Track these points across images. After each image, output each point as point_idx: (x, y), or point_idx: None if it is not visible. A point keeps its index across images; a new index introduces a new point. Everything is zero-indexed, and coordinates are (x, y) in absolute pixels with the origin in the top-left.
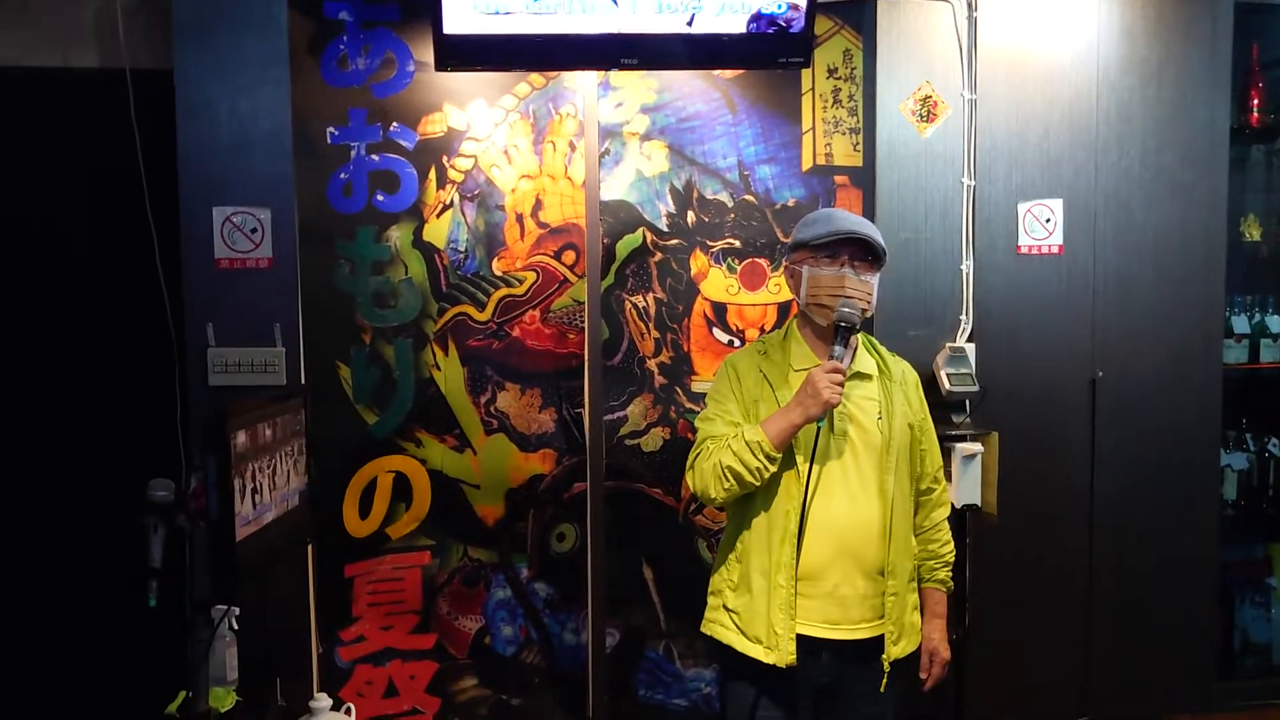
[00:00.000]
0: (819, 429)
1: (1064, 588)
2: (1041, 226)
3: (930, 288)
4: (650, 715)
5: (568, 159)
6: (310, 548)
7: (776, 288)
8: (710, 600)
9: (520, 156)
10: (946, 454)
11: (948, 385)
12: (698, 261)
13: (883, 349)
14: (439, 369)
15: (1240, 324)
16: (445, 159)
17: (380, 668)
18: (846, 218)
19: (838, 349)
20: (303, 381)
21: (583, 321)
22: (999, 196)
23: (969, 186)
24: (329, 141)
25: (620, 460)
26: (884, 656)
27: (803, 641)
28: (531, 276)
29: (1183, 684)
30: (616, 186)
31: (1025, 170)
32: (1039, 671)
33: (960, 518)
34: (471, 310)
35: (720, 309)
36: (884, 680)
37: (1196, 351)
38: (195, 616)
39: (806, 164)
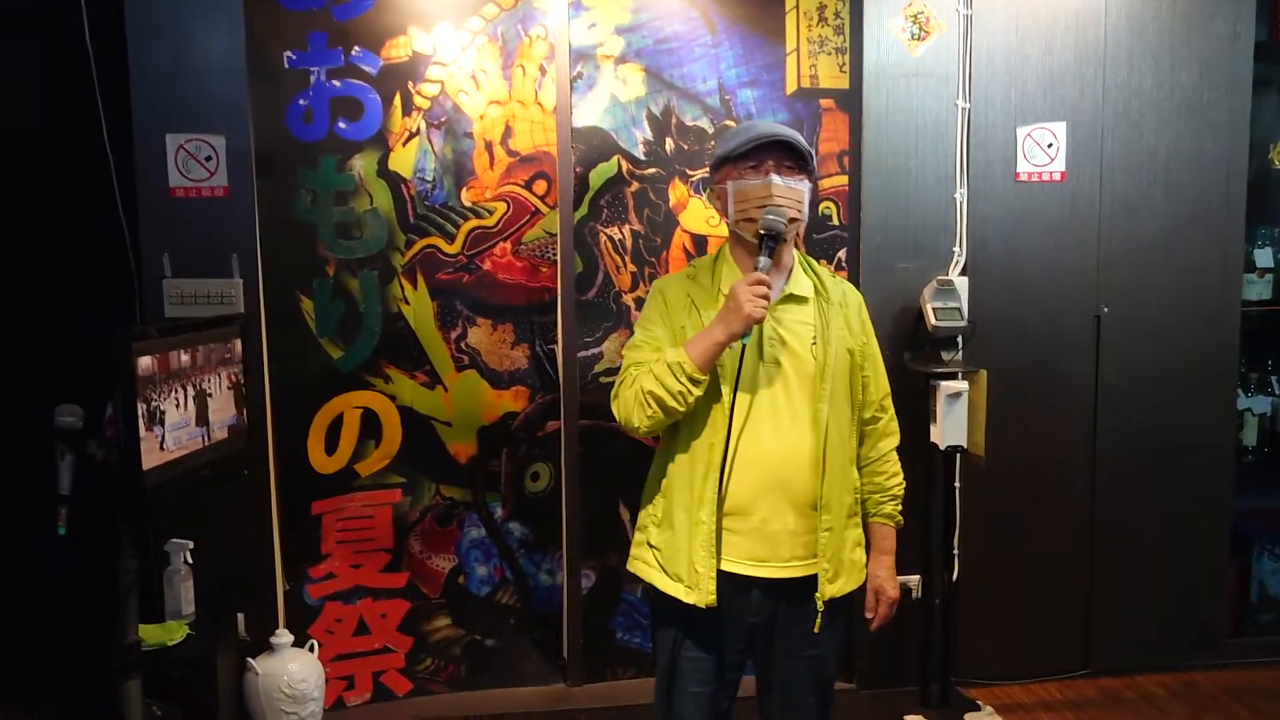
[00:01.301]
0: (743, 354)
1: (1064, 536)
2: (1042, 152)
3: (921, 218)
4: (627, 658)
5: (538, 84)
6: (273, 483)
7: None
8: (635, 536)
9: (489, 81)
10: (931, 391)
11: (934, 320)
12: (677, 191)
13: (822, 269)
14: (407, 303)
15: (1264, 258)
16: (411, 84)
17: (350, 605)
18: (765, 125)
19: (762, 260)
20: (262, 313)
21: (555, 254)
22: (996, 120)
23: (963, 109)
24: (286, 66)
25: (595, 398)
26: (817, 595)
27: (731, 579)
28: (502, 207)
29: (1193, 638)
30: (590, 112)
31: (1025, 91)
32: (1037, 625)
33: (947, 460)
34: (440, 242)
35: (700, 241)
36: (818, 620)
37: (1213, 286)
38: (118, 546)
39: (790, 87)
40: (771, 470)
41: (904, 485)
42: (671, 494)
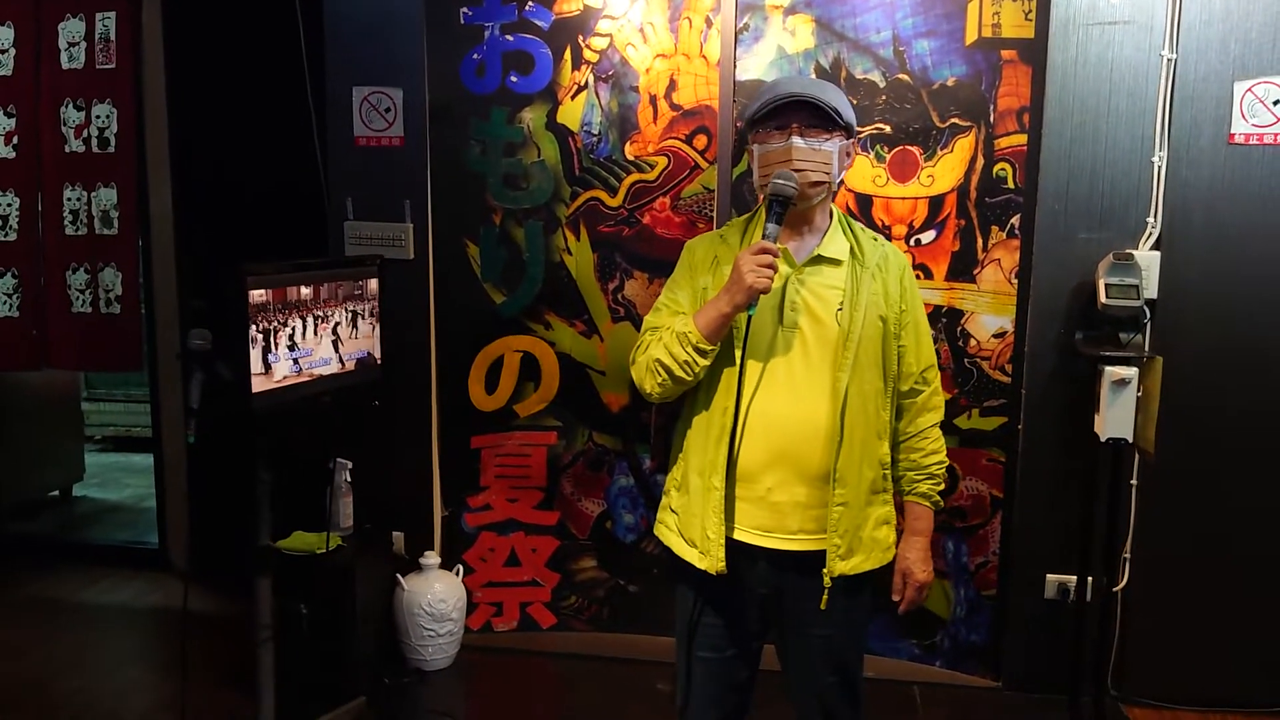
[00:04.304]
0: (748, 324)
1: (1269, 549)
2: (1267, 110)
3: (1110, 183)
4: None
5: (704, 36)
6: (435, 416)
7: (929, 179)
8: (662, 500)
9: (656, 34)
10: (1095, 377)
11: (1104, 297)
12: None
13: (862, 231)
14: (570, 253)
15: None
16: (581, 38)
17: (504, 537)
18: (791, 81)
19: (770, 227)
20: (430, 257)
21: (713, 210)
22: (1209, 73)
23: (1169, 61)
24: (462, 22)
25: None
26: (825, 571)
27: (738, 548)
28: (663, 162)
29: None
30: (754, 65)
31: (1247, 40)
32: (1226, 647)
33: (1115, 455)
34: (603, 195)
35: (865, 201)
36: (824, 597)
37: None
38: (253, 458)
39: (970, 37)
40: (781, 439)
41: (945, 464)
42: (688, 458)
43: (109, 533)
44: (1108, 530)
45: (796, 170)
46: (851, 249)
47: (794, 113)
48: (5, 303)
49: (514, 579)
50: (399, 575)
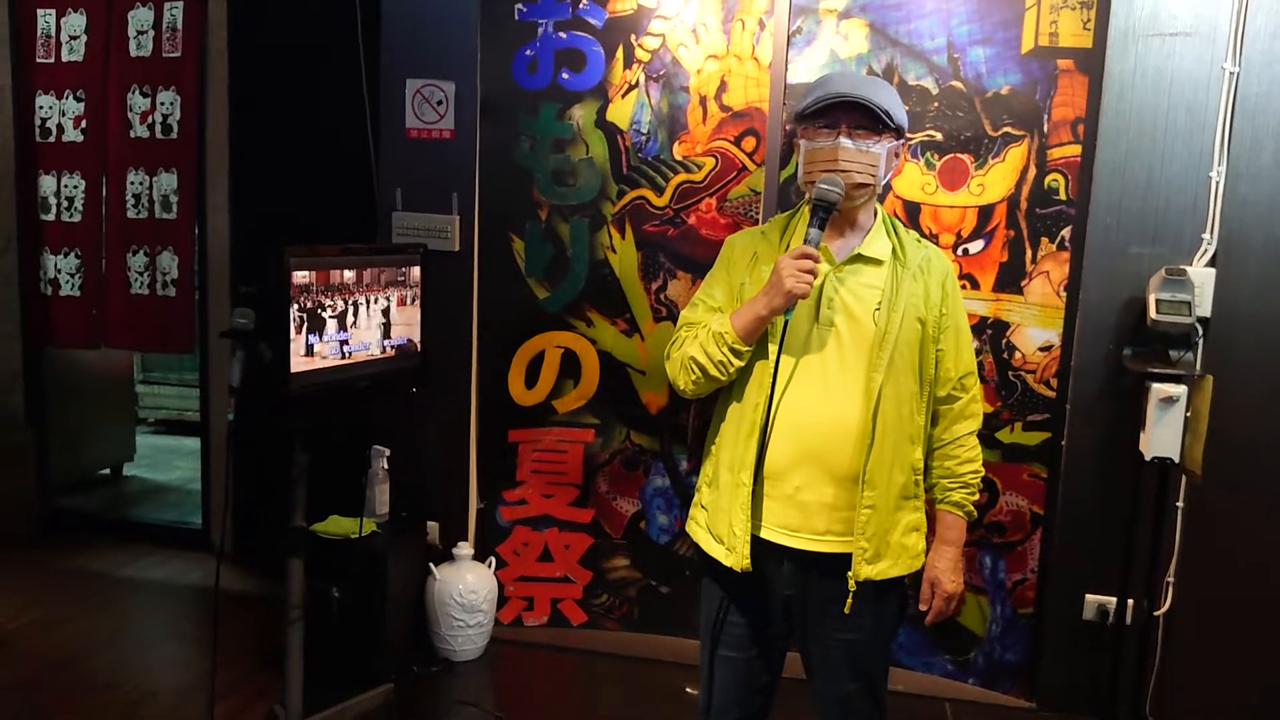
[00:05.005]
0: (784, 328)
1: None
2: None
3: (1164, 198)
4: None
5: (756, 38)
6: (474, 407)
7: (980, 189)
8: (694, 497)
9: (708, 35)
10: (1143, 393)
11: (1154, 313)
12: None
13: (905, 232)
14: (614, 251)
15: None
16: (633, 37)
17: (538, 532)
18: (844, 79)
19: (812, 232)
20: (475, 250)
21: (758, 213)
22: (1272, 88)
23: (1230, 74)
24: (516, 18)
25: None
26: (850, 574)
27: (765, 547)
28: (710, 162)
29: None
30: (806, 69)
31: None
32: (1260, 678)
33: (1161, 474)
34: (650, 194)
35: (913, 209)
36: (848, 601)
37: None
38: (290, 440)
39: (1027, 45)
40: (810, 437)
41: (980, 474)
42: (720, 453)
43: (155, 512)
44: (1150, 552)
45: (842, 172)
46: (894, 250)
47: (844, 112)
48: (69, 282)
49: (546, 574)
50: (432, 565)
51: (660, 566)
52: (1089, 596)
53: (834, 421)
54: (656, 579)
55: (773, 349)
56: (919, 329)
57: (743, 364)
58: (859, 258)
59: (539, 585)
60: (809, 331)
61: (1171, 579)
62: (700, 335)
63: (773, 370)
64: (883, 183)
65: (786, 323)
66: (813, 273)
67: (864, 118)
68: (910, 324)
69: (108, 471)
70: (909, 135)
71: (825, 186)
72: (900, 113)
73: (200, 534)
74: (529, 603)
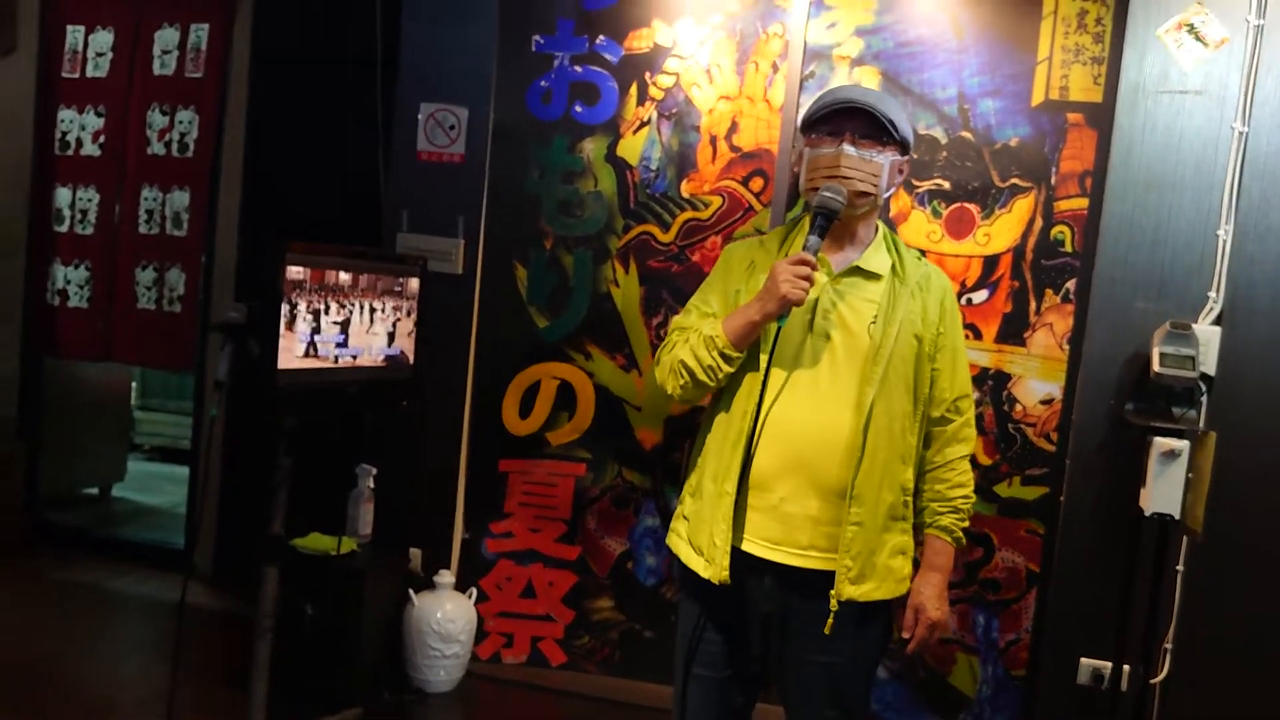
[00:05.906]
0: (777, 334)
1: None
2: None
3: (1171, 254)
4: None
5: (768, 81)
6: (465, 434)
7: (985, 239)
8: (676, 509)
9: (722, 76)
10: (1144, 448)
11: (1158, 366)
12: (899, 201)
13: (906, 249)
14: (617, 285)
15: None
16: (648, 75)
17: (523, 567)
18: (853, 88)
19: (811, 239)
20: (478, 274)
21: None
22: None
23: (1240, 134)
24: (534, 49)
25: None
26: (832, 593)
27: (746, 560)
28: (717, 201)
29: None
30: None
31: None
32: None
33: (1161, 532)
34: (655, 230)
35: None
36: (829, 621)
37: None
38: (275, 442)
39: (1037, 98)
40: (798, 445)
41: (971, 500)
42: (705, 463)
43: (140, 532)
44: (1148, 616)
45: (844, 179)
46: (894, 266)
47: (849, 120)
48: (78, 294)
49: (528, 611)
50: (411, 591)
51: (645, 610)
52: (1084, 660)
53: (823, 430)
54: (640, 623)
55: (763, 359)
56: (915, 345)
57: (732, 370)
58: (857, 271)
59: (520, 622)
60: (802, 342)
61: (1169, 645)
62: (691, 339)
63: (762, 379)
64: (885, 195)
65: (779, 332)
66: (809, 279)
67: (869, 126)
68: (906, 339)
69: (95, 491)
70: (914, 182)
71: (827, 194)
72: (906, 126)
73: (181, 554)
74: (509, 639)
